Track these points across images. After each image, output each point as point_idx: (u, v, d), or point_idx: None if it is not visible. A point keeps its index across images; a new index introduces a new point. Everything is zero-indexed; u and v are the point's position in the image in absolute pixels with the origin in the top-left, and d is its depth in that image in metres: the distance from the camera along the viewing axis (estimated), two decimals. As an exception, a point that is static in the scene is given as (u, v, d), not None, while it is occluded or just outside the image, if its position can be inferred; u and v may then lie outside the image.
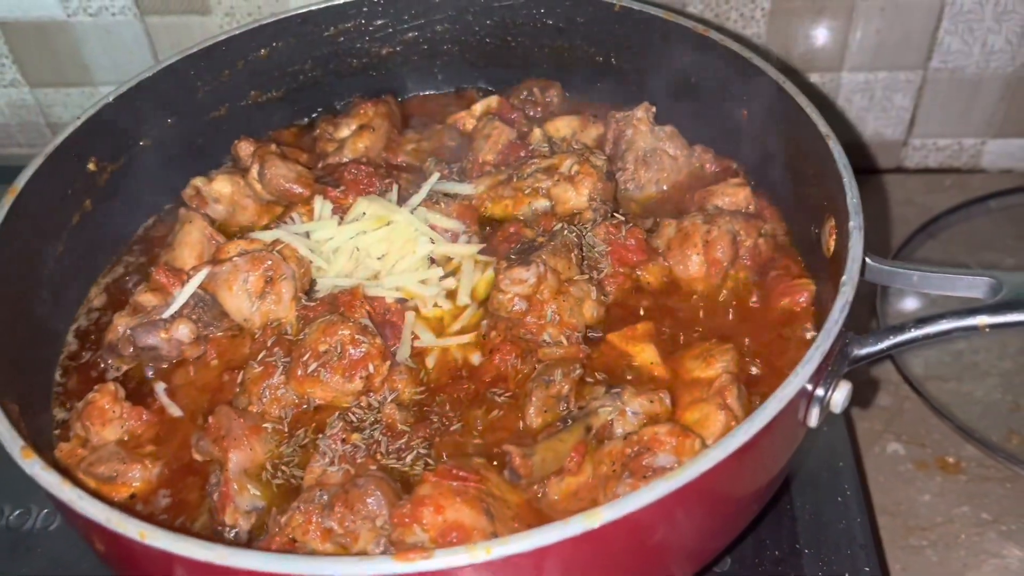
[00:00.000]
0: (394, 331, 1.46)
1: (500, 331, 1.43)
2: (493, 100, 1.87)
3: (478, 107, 1.86)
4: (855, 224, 1.26)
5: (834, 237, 1.37)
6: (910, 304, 1.99)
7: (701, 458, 1.01)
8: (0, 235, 1.38)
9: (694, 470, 1.01)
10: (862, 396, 1.89)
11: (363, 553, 1.17)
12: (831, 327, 1.14)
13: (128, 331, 1.45)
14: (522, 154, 1.72)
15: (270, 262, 1.46)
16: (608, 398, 1.31)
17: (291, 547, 1.18)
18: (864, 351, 1.22)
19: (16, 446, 1.10)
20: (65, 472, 1.12)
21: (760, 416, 1.06)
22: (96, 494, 1.19)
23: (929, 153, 2.38)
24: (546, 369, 1.36)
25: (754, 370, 1.38)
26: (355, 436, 1.30)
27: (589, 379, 1.38)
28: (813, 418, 1.19)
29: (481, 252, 1.56)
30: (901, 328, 1.21)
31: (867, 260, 1.28)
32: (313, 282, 1.54)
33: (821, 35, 2.17)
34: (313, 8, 1.85)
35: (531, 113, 1.89)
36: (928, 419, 1.85)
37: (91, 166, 1.63)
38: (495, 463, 1.28)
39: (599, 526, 0.97)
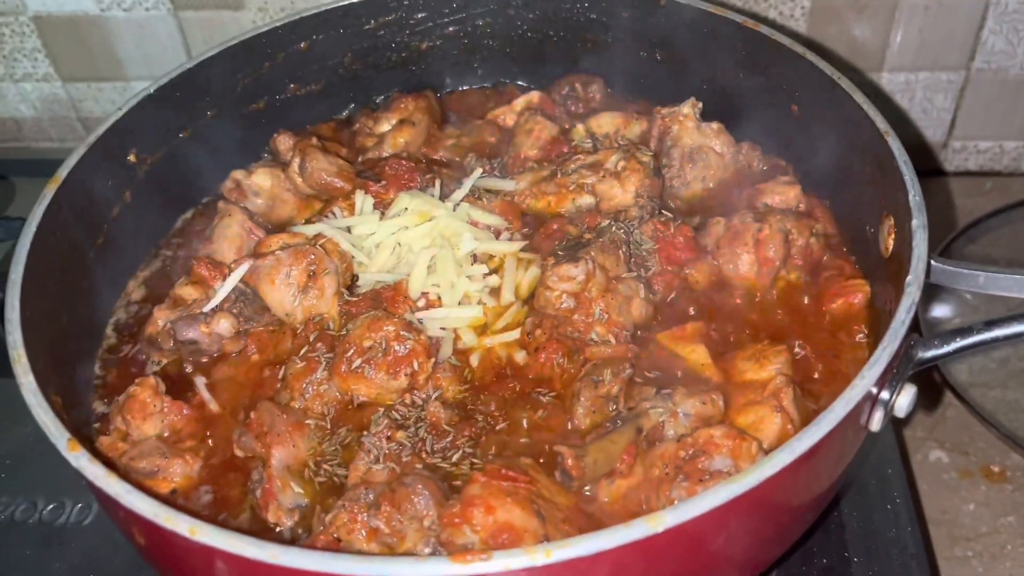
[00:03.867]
0: (436, 328, 1.44)
1: (546, 329, 1.40)
2: (534, 95, 1.84)
3: (519, 102, 1.84)
4: (919, 223, 1.23)
5: (893, 236, 1.34)
6: (944, 309, 1.95)
7: (767, 461, 0.98)
8: (42, 225, 1.37)
9: (760, 473, 0.97)
10: (924, 400, 1.84)
11: (410, 553, 1.14)
12: (898, 328, 1.11)
13: (168, 324, 1.44)
14: (564, 150, 1.70)
15: (313, 256, 1.44)
16: (659, 399, 1.28)
17: (336, 546, 1.16)
18: (930, 354, 1.19)
19: (62, 438, 1.08)
20: (109, 465, 1.09)
21: (827, 419, 1.03)
22: (139, 488, 1.17)
23: (969, 156, 2.35)
24: (595, 369, 1.34)
25: (816, 375, 1.34)
26: (400, 434, 1.28)
27: (638, 379, 1.35)
28: (876, 422, 1.16)
29: (523, 249, 1.54)
30: (968, 330, 1.18)
31: (931, 260, 1.24)
32: (355, 277, 1.52)
33: (862, 34, 2.13)
34: (354, 1, 1.83)
35: (573, 109, 1.87)
36: (972, 427, 1.81)
37: (131, 158, 1.62)
38: (543, 463, 1.25)
39: (662, 530, 0.94)
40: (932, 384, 1.86)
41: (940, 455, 1.79)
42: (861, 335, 1.42)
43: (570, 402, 1.34)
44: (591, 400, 1.31)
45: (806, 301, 1.47)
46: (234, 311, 1.44)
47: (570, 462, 1.20)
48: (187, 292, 1.46)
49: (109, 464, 1.20)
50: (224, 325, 1.42)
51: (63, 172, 1.44)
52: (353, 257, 1.51)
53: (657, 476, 1.20)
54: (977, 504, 1.71)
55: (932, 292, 1.93)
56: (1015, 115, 2.25)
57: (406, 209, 1.54)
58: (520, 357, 1.41)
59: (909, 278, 1.16)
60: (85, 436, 1.36)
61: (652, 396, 1.29)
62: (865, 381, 1.07)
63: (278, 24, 1.78)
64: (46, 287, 1.36)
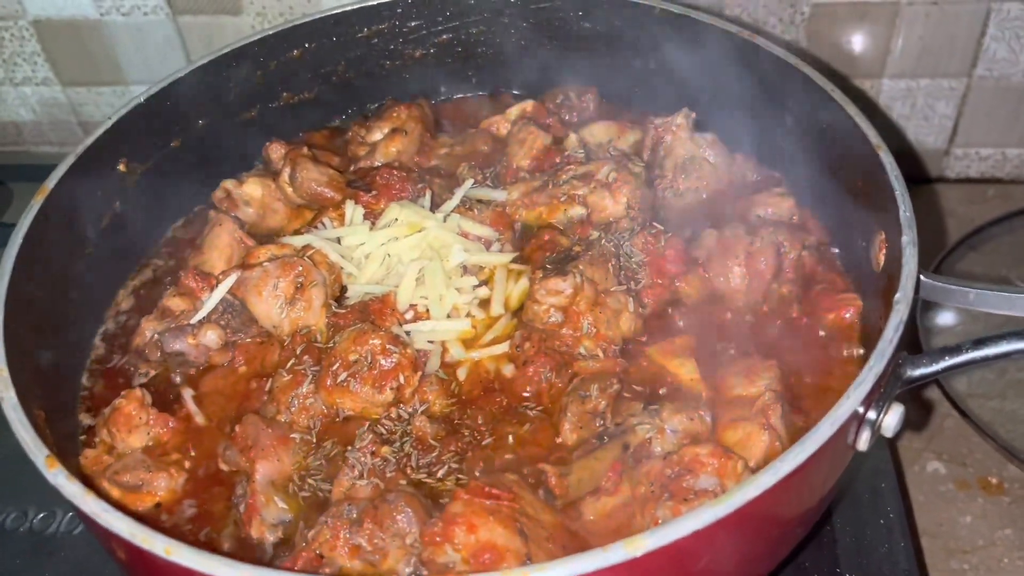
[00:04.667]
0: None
1: (534, 342, 1.39)
2: (528, 104, 1.83)
3: (513, 111, 1.83)
4: (908, 239, 1.22)
5: (884, 251, 1.32)
6: (946, 319, 1.93)
7: (749, 483, 0.97)
8: (29, 236, 1.37)
9: (742, 496, 0.96)
10: (912, 418, 1.83)
11: (392, 572, 1.14)
12: (885, 347, 1.09)
13: (156, 336, 1.43)
14: (557, 160, 1.69)
15: (300, 268, 1.44)
16: (646, 415, 1.27)
17: (318, 563, 1.15)
18: (918, 372, 1.17)
19: (41, 455, 1.08)
20: (89, 481, 1.09)
21: (811, 440, 1.01)
22: (120, 503, 1.17)
23: (971, 163, 2.32)
24: (582, 383, 1.33)
25: (805, 390, 1.33)
26: (385, 449, 1.27)
27: (626, 394, 1.34)
28: (863, 442, 1.14)
29: (514, 260, 1.53)
30: (957, 349, 1.16)
31: (921, 277, 1.23)
32: (343, 289, 1.51)
33: (862, 41, 2.12)
34: (347, 9, 1.83)
35: (567, 118, 1.85)
36: (970, 438, 1.79)
37: (121, 167, 1.62)
38: (528, 479, 1.24)
39: (641, 555, 0.93)
40: (930, 395, 1.85)
41: (937, 466, 1.77)
42: (853, 350, 1.40)
43: (557, 417, 1.33)
44: (578, 415, 1.30)
45: (797, 315, 1.46)
46: (222, 323, 1.44)
47: (553, 480, 1.19)
48: (175, 303, 1.46)
49: (89, 480, 1.21)
50: (211, 337, 1.42)
51: (51, 182, 1.44)
52: (342, 268, 1.51)
53: (643, 494, 1.19)
54: (974, 516, 1.69)
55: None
56: (1017, 122, 2.23)
57: (396, 219, 1.53)
58: (508, 371, 1.40)
59: (897, 295, 1.15)
60: (70, 449, 1.35)
61: (639, 412, 1.28)
62: (851, 401, 1.05)
63: (270, 32, 1.77)
64: (32, 298, 1.36)
